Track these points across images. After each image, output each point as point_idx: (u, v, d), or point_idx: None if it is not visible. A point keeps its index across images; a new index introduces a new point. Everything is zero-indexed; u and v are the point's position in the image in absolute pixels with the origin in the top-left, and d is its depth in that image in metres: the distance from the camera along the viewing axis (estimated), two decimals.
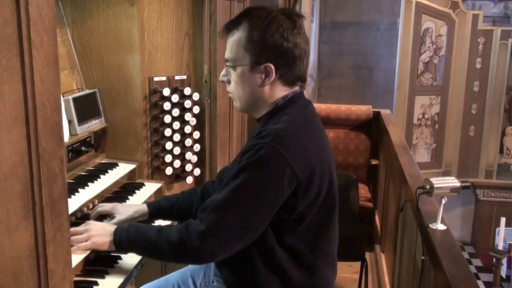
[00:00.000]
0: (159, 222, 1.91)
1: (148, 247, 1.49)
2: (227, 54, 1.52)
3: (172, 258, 1.54)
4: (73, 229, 1.61)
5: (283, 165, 1.37)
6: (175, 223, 1.88)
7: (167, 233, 1.45)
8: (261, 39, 1.44)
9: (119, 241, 1.53)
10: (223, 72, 1.56)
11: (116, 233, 1.54)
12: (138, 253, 1.57)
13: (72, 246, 1.57)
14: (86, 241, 1.56)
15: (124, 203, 1.98)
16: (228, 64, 1.53)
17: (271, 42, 1.43)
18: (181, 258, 1.50)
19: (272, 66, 1.45)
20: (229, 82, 1.55)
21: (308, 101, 1.57)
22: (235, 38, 1.49)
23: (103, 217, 1.85)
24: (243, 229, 1.39)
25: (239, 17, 1.50)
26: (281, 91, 1.51)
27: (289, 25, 1.45)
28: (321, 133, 1.55)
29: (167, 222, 1.93)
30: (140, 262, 1.70)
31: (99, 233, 1.56)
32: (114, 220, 1.78)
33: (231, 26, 1.51)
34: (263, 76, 1.47)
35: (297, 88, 1.53)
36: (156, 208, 1.83)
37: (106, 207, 1.84)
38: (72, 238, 1.57)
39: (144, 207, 1.82)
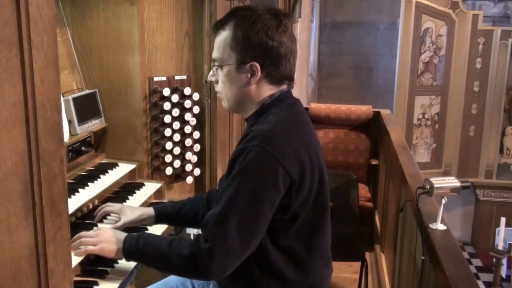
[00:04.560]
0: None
1: (158, 259, 1.47)
2: (214, 54, 1.52)
3: (182, 272, 1.52)
4: (84, 233, 1.61)
5: (275, 166, 1.37)
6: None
7: (178, 247, 1.43)
8: (245, 38, 1.44)
9: (128, 250, 1.51)
10: (211, 72, 1.56)
11: (125, 241, 1.53)
12: (147, 263, 1.54)
13: (79, 248, 1.58)
14: (95, 245, 1.56)
15: (131, 205, 1.98)
16: (215, 64, 1.53)
17: (256, 41, 1.43)
18: (190, 273, 1.48)
19: (258, 65, 1.45)
20: (217, 82, 1.55)
21: (295, 100, 1.56)
22: (222, 37, 1.49)
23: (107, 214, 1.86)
24: (247, 237, 1.38)
25: (226, 17, 1.51)
26: (267, 90, 1.50)
27: (274, 24, 1.45)
28: (309, 131, 1.55)
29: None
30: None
31: (109, 240, 1.55)
32: (120, 222, 1.78)
33: (218, 26, 1.51)
34: (249, 75, 1.47)
35: (284, 87, 1.53)
36: (162, 212, 1.82)
37: (114, 207, 1.84)
38: (82, 240, 1.58)
39: (151, 211, 1.82)
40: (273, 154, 1.37)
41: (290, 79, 1.53)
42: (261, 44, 1.44)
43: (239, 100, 1.53)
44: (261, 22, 1.44)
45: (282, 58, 1.46)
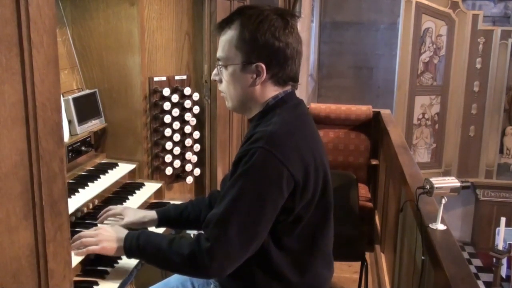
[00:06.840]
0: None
1: (158, 257, 1.47)
2: (219, 53, 1.51)
3: (182, 271, 1.52)
4: (84, 232, 1.62)
5: (279, 168, 1.36)
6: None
7: (179, 245, 1.43)
8: (252, 38, 1.43)
9: (129, 247, 1.52)
10: (215, 71, 1.55)
11: (126, 239, 1.53)
12: (147, 261, 1.55)
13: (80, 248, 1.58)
14: (96, 244, 1.56)
15: (134, 208, 1.97)
16: (219, 63, 1.52)
17: (262, 41, 1.42)
18: (190, 272, 1.49)
19: (263, 66, 1.44)
20: (221, 81, 1.54)
21: (299, 101, 1.55)
22: (227, 37, 1.48)
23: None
24: (249, 238, 1.38)
25: (232, 15, 1.49)
26: (272, 91, 1.49)
27: (281, 25, 1.43)
28: (313, 132, 1.54)
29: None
30: (140, 262, 1.70)
31: (109, 239, 1.55)
32: (123, 222, 1.77)
33: (223, 25, 1.50)
34: (254, 75, 1.46)
35: (288, 88, 1.52)
36: (165, 215, 1.81)
37: (116, 209, 1.84)
38: (83, 240, 1.58)
39: (154, 214, 1.81)
40: (278, 156, 1.36)
41: (295, 80, 1.52)
42: (268, 45, 1.42)
43: (243, 100, 1.52)
44: (268, 22, 1.42)
45: (288, 59, 1.45)
